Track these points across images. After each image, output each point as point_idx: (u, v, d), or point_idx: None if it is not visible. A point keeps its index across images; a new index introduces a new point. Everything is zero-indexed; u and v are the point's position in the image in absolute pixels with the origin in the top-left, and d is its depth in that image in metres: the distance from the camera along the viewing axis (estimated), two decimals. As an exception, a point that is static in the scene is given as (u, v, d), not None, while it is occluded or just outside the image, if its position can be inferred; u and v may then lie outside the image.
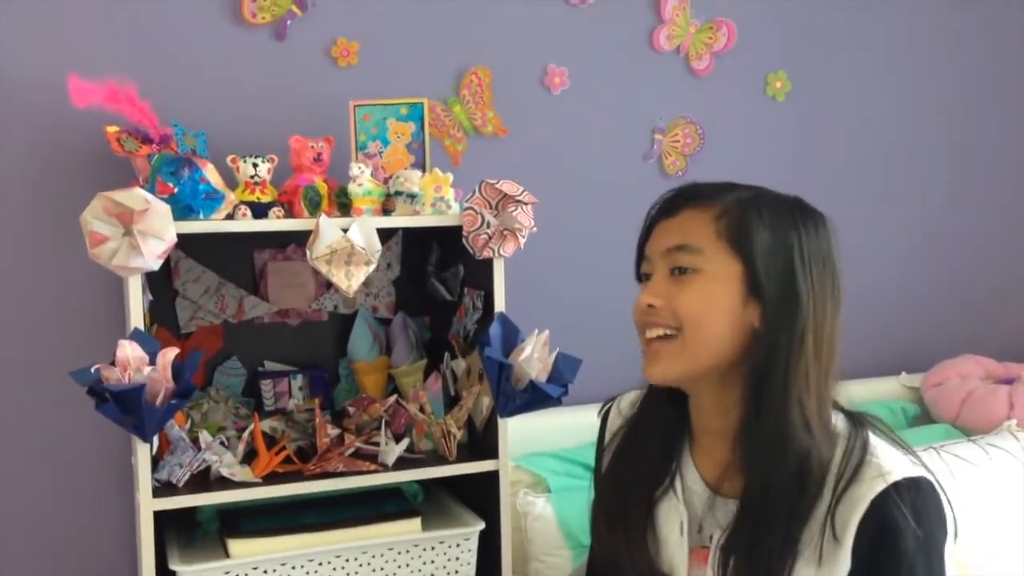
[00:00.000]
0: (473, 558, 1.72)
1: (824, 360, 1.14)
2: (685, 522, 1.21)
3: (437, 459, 1.73)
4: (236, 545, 1.60)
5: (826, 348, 1.14)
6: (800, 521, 1.10)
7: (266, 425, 1.76)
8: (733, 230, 1.13)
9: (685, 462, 1.25)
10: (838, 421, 1.16)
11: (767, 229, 1.13)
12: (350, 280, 1.61)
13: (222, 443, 1.66)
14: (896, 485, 1.08)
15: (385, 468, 1.67)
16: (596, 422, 1.42)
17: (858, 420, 1.17)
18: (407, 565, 1.68)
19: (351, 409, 1.78)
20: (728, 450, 1.18)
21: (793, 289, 1.12)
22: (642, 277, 1.23)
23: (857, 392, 1.24)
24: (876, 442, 1.14)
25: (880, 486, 1.08)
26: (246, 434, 1.67)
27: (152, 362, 1.47)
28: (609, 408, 1.38)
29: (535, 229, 1.68)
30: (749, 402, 1.14)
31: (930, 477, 1.11)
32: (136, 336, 1.48)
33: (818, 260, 1.14)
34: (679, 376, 1.17)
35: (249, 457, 1.66)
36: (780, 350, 1.11)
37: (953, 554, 1.11)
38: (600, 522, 1.29)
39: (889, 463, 1.11)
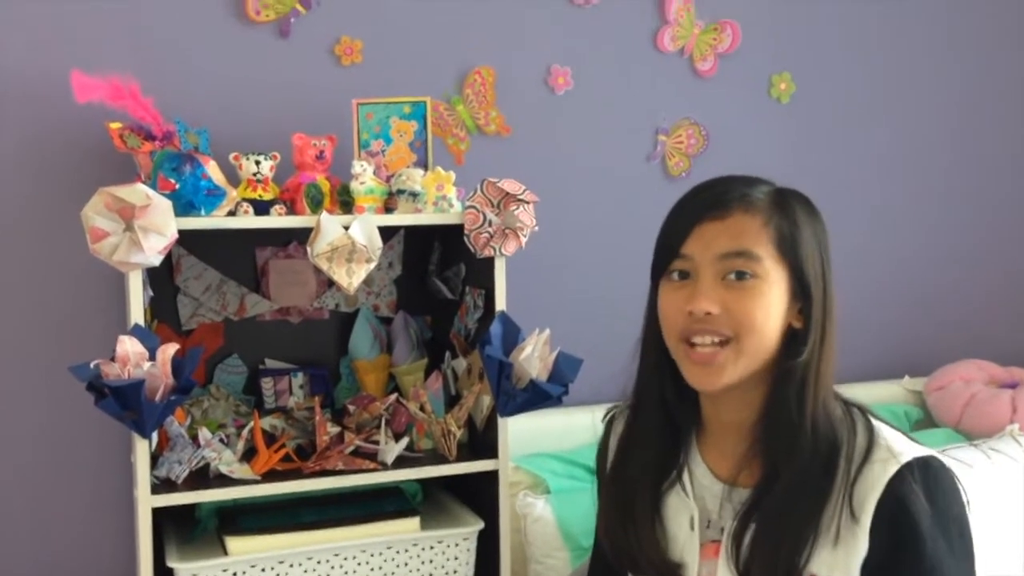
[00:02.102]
0: (472, 558, 1.72)
1: (835, 347, 1.17)
2: (696, 517, 1.21)
3: (437, 458, 1.72)
4: (234, 543, 1.59)
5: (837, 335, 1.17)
6: (820, 506, 1.11)
7: (266, 423, 1.75)
8: (783, 237, 1.14)
9: (693, 458, 1.25)
10: (837, 406, 1.18)
11: (806, 230, 1.15)
12: (351, 278, 1.61)
13: (221, 440, 1.66)
14: (908, 466, 1.10)
15: (385, 467, 1.67)
16: (597, 423, 1.42)
17: (854, 404, 1.20)
18: (405, 564, 1.67)
19: (351, 407, 1.78)
20: (743, 442, 1.18)
21: (828, 286, 1.16)
22: (668, 274, 1.18)
23: (859, 395, 1.25)
24: (878, 424, 1.17)
25: (893, 467, 1.10)
26: (246, 431, 1.67)
27: (152, 358, 1.47)
28: (615, 413, 1.37)
29: (537, 228, 1.68)
30: (776, 395, 1.15)
31: (937, 455, 1.13)
32: (136, 332, 1.48)
33: (829, 251, 1.18)
34: (733, 383, 1.15)
35: (249, 455, 1.65)
36: (816, 346, 1.14)
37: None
38: (610, 518, 1.28)
39: (897, 444, 1.13)
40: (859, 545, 1.09)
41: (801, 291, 1.14)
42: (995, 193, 2.60)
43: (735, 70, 2.28)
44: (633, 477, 1.25)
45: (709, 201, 1.16)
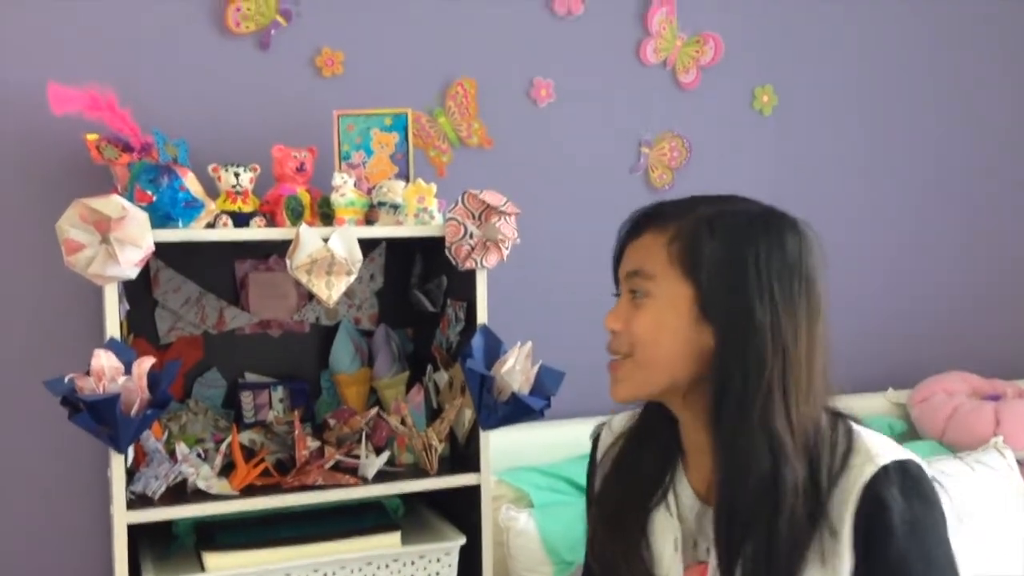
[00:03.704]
0: (453, 573, 1.70)
1: (797, 376, 1.09)
2: (679, 538, 1.20)
3: (418, 472, 1.71)
4: (212, 559, 1.57)
5: (802, 363, 1.10)
6: (777, 537, 1.06)
7: (245, 437, 1.73)
8: (683, 254, 1.12)
9: (679, 478, 1.24)
10: (823, 423, 1.13)
11: (720, 248, 1.10)
12: (330, 290, 1.59)
13: (199, 455, 1.64)
14: (885, 468, 1.06)
15: (365, 481, 1.65)
16: (580, 437, 1.40)
17: (847, 417, 1.15)
18: (386, 580, 1.65)
19: (332, 421, 1.76)
20: (712, 463, 1.16)
21: (746, 308, 1.08)
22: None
23: (842, 407, 1.21)
24: (859, 429, 1.13)
25: (870, 470, 1.06)
26: (224, 446, 1.65)
27: (128, 372, 1.45)
28: (600, 430, 1.36)
29: (519, 240, 1.67)
30: (712, 422, 1.12)
31: (918, 460, 1.09)
32: (112, 345, 1.46)
33: (783, 272, 1.10)
34: (635, 396, 1.17)
35: (227, 470, 1.64)
36: (735, 371, 1.09)
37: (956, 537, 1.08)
38: (599, 533, 1.26)
39: (876, 447, 1.09)
40: (844, 562, 1.05)
41: (705, 310, 1.11)
42: (978, 205, 2.61)
43: (718, 82, 2.28)
44: (623, 492, 1.24)
45: (630, 225, 1.20)
